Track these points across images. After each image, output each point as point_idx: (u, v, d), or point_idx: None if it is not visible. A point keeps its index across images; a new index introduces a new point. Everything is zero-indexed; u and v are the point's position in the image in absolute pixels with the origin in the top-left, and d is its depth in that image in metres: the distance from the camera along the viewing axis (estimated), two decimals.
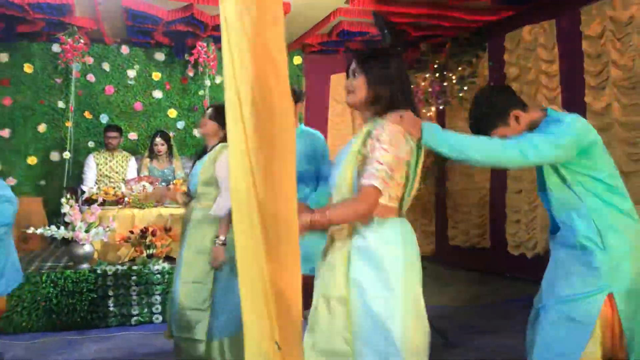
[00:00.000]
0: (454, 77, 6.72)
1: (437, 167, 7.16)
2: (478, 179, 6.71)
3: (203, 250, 3.16)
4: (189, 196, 3.46)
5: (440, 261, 7.29)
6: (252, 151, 0.94)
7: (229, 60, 0.95)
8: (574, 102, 5.33)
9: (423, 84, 6.92)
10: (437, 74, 6.83)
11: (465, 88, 6.62)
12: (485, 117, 2.30)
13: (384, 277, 1.76)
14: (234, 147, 0.96)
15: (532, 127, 2.26)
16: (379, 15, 4.82)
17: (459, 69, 6.72)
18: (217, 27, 6.34)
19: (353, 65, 1.99)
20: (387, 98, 1.92)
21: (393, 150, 1.80)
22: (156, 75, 7.22)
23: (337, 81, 7.50)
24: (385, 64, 1.96)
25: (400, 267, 1.78)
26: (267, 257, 0.95)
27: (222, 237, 3.12)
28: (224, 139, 3.27)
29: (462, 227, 7.05)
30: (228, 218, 3.10)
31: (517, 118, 2.27)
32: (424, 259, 1.94)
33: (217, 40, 6.83)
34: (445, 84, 6.80)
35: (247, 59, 0.93)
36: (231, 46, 0.94)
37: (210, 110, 3.36)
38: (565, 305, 2.17)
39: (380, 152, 1.79)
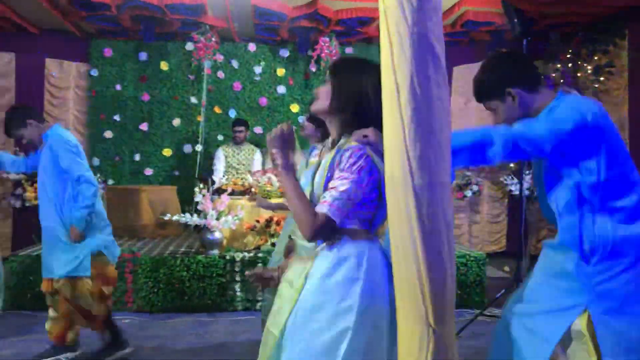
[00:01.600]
0: (589, 68, 6.29)
1: None
2: None
3: None
4: None
5: None
6: (409, 139, 0.94)
7: (387, 49, 0.97)
8: None
9: (553, 75, 6.54)
10: (569, 65, 6.44)
11: (602, 79, 6.18)
12: (483, 85, 2.03)
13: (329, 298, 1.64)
14: (391, 134, 0.97)
15: (535, 113, 1.94)
16: (509, 3, 4.62)
17: (595, 58, 6.28)
18: (339, 22, 6.42)
19: (327, 73, 1.90)
20: (350, 111, 1.77)
21: (353, 178, 1.65)
22: (280, 71, 7.45)
23: (460, 73, 7.30)
24: (356, 76, 1.80)
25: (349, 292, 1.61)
26: (422, 243, 0.95)
27: None
28: (319, 141, 3.32)
29: None
30: None
31: (513, 97, 1.96)
32: None
33: (340, 35, 6.92)
34: (579, 74, 6.39)
35: (406, 47, 0.94)
36: (390, 35, 0.95)
37: (309, 113, 3.45)
38: (530, 317, 1.91)
39: (339, 181, 1.66)
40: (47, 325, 3.58)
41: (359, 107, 1.78)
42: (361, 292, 1.58)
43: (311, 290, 1.69)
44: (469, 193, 6.88)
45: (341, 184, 1.66)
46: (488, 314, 4.68)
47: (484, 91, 2.04)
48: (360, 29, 6.72)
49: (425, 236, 0.96)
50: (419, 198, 0.96)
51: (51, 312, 3.57)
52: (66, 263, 3.44)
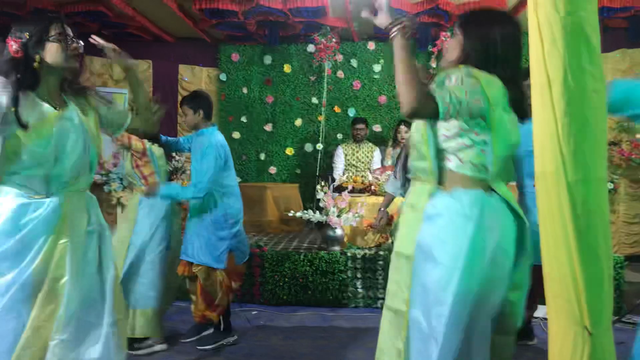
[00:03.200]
0: None
1: None
2: None
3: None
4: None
5: None
6: (562, 133, 0.91)
7: (537, 42, 0.94)
8: None
9: None
10: None
11: None
12: None
13: (447, 246, 1.69)
14: (542, 128, 0.94)
15: None
16: None
17: None
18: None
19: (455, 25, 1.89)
20: (476, 61, 1.76)
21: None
22: None
23: None
24: (483, 26, 1.80)
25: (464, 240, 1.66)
26: (577, 243, 0.92)
27: None
28: None
29: None
30: None
31: None
32: None
33: None
34: None
35: (558, 39, 0.91)
36: (541, 27, 0.92)
37: None
38: None
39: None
40: (192, 308, 3.84)
41: (485, 57, 1.78)
42: (472, 234, 1.65)
43: (428, 227, 1.80)
44: None
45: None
46: (626, 320, 4.36)
47: None
48: None
49: (580, 234, 0.92)
50: (573, 194, 0.92)
51: (192, 295, 3.82)
52: (208, 253, 3.65)
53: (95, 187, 7.15)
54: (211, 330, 3.89)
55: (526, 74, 3.19)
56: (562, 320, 0.93)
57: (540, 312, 4.32)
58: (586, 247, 0.92)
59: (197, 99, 3.82)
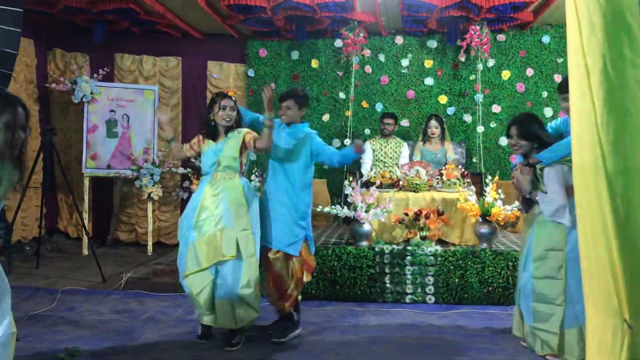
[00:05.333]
0: None
1: None
2: None
3: (554, 247, 3.36)
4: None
5: None
6: (601, 123, 0.89)
7: (575, 30, 0.92)
8: None
9: None
10: None
11: None
12: None
13: None
14: (580, 119, 0.92)
15: None
16: None
17: None
18: (491, 9, 6.19)
19: None
20: None
21: None
22: (428, 63, 7.34)
23: None
24: None
25: None
26: (616, 234, 0.89)
27: None
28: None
29: None
30: None
31: None
32: None
33: (491, 22, 6.67)
34: None
35: (598, 26, 0.88)
36: (579, 14, 0.90)
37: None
38: None
39: None
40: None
41: None
42: None
43: None
44: None
45: None
46: None
47: None
48: (513, 15, 6.41)
49: (620, 227, 0.89)
50: (613, 186, 0.89)
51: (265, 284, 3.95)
52: (288, 240, 3.80)
53: (127, 182, 7.28)
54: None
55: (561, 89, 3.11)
56: (601, 314, 0.91)
57: None
58: (626, 240, 0.90)
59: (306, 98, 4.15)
